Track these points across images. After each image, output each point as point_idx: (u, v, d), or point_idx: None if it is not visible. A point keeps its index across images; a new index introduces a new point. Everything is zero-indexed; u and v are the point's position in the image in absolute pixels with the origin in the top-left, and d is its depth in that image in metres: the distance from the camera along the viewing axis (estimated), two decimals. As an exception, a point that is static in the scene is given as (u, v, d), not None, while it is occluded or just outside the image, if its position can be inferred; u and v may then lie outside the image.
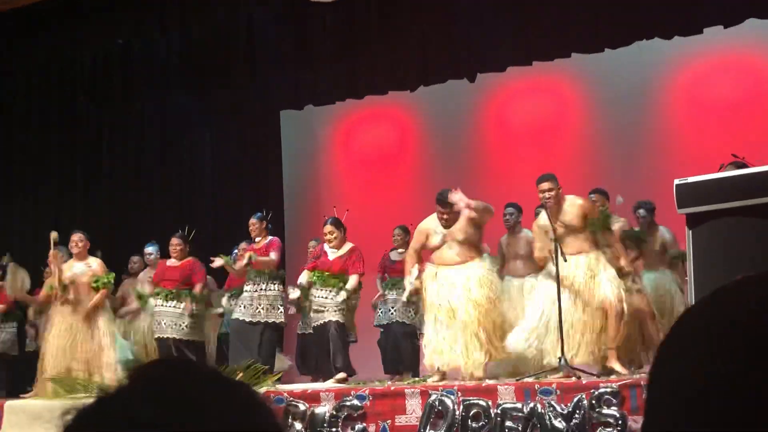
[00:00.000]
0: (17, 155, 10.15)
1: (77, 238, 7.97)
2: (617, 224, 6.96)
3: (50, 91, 10.25)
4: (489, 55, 9.28)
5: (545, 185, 6.44)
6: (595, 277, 6.24)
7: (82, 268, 7.90)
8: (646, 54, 8.97)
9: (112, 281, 8.03)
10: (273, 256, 7.87)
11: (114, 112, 10.80)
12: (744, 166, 6.10)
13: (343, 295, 7.32)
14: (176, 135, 11.25)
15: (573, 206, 6.43)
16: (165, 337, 7.84)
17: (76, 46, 9.58)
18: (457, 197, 6.57)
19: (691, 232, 5.37)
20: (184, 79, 10.61)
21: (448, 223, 6.66)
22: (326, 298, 7.37)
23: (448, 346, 6.33)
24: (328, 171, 11.54)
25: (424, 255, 6.93)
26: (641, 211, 7.51)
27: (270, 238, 8.02)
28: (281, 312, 7.83)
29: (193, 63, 10.45)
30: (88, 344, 7.69)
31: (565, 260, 6.14)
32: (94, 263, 7.95)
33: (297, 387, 6.39)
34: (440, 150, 10.61)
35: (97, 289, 7.83)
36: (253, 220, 8.04)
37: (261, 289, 7.77)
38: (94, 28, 9.19)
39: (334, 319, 7.29)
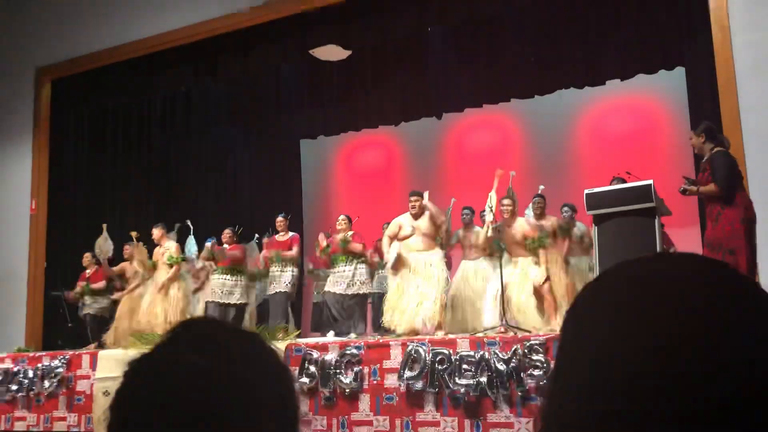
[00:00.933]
0: (107, 172, 10.13)
1: (155, 231, 8.00)
2: (550, 221, 7.00)
3: (132, 125, 10.25)
4: (451, 100, 9.32)
5: (507, 201, 6.50)
6: (527, 273, 6.31)
7: (161, 250, 7.92)
8: (565, 99, 9.02)
9: (182, 259, 7.96)
10: (295, 250, 7.81)
11: (178, 140, 10.79)
12: (623, 181, 6.15)
13: (361, 269, 7.18)
14: (223, 157, 11.25)
15: (520, 226, 6.48)
16: (218, 301, 7.79)
17: (151, 92, 9.59)
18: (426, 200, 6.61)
19: (596, 228, 5.41)
20: (229, 116, 10.60)
21: (416, 211, 6.58)
22: (343, 272, 7.22)
23: (407, 309, 6.30)
24: (335, 184, 11.55)
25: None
26: (566, 209, 7.53)
27: (291, 234, 7.95)
28: (294, 286, 7.77)
29: (236, 104, 10.45)
30: (164, 306, 7.67)
31: (504, 249, 6.22)
32: (172, 246, 7.90)
33: (311, 340, 6.38)
34: (416, 169, 10.64)
35: (171, 266, 7.81)
36: (279, 219, 7.98)
37: (284, 271, 7.73)
38: (164, 78, 9.19)
39: (350, 293, 7.10)
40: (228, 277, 7.77)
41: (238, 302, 7.77)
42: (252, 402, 0.72)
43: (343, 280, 7.16)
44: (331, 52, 8.02)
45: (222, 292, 7.74)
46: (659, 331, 0.53)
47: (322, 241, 7.58)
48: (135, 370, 0.75)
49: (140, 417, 0.71)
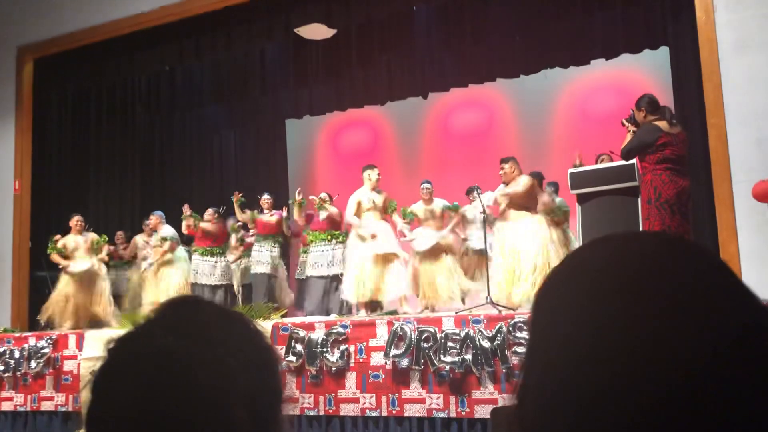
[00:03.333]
0: (91, 151, 10.02)
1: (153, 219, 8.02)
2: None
3: (116, 104, 10.12)
4: (437, 79, 9.27)
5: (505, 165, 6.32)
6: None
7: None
8: (550, 78, 9.01)
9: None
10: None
11: (163, 119, 10.68)
12: (611, 159, 6.16)
13: (339, 249, 7.22)
14: (209, 137, 11.15)
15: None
16: (201, 283, 7.77)
17: (135, 71, 9.47)
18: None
19: (580, 206, 5.44)
20: (214, 96, 10.50)
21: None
22: (322, 252, 7.23)
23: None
24: (320, 163, 11.51)
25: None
26: (549, 189, 7.54)
27: (276, 212, 7.94)
28: (280, 266, 7.75)
29: (221, 83, 10.34)
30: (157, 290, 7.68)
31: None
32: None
33: (297, 319, 6.38)
34: (402, 148, 10.61)
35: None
36: (266, 197, 7.96)
37: (267, 250, 7.70)
38: (148, 58, 9.07)
39: (331, 273, 7.17)
40: (208, 258, 7.74)
41: (219, 283, 7.73)
42: (222, 388, 0.71)
43: (323, 260, 7.18)
44: (316, 31, 7.94)
45: (200, 273, 7.71)
46: (627, 311, 0.53)
47: (299, 196, 7.63)
48: (115, 349, 0.75)
49: (114, 397, 0.71)
